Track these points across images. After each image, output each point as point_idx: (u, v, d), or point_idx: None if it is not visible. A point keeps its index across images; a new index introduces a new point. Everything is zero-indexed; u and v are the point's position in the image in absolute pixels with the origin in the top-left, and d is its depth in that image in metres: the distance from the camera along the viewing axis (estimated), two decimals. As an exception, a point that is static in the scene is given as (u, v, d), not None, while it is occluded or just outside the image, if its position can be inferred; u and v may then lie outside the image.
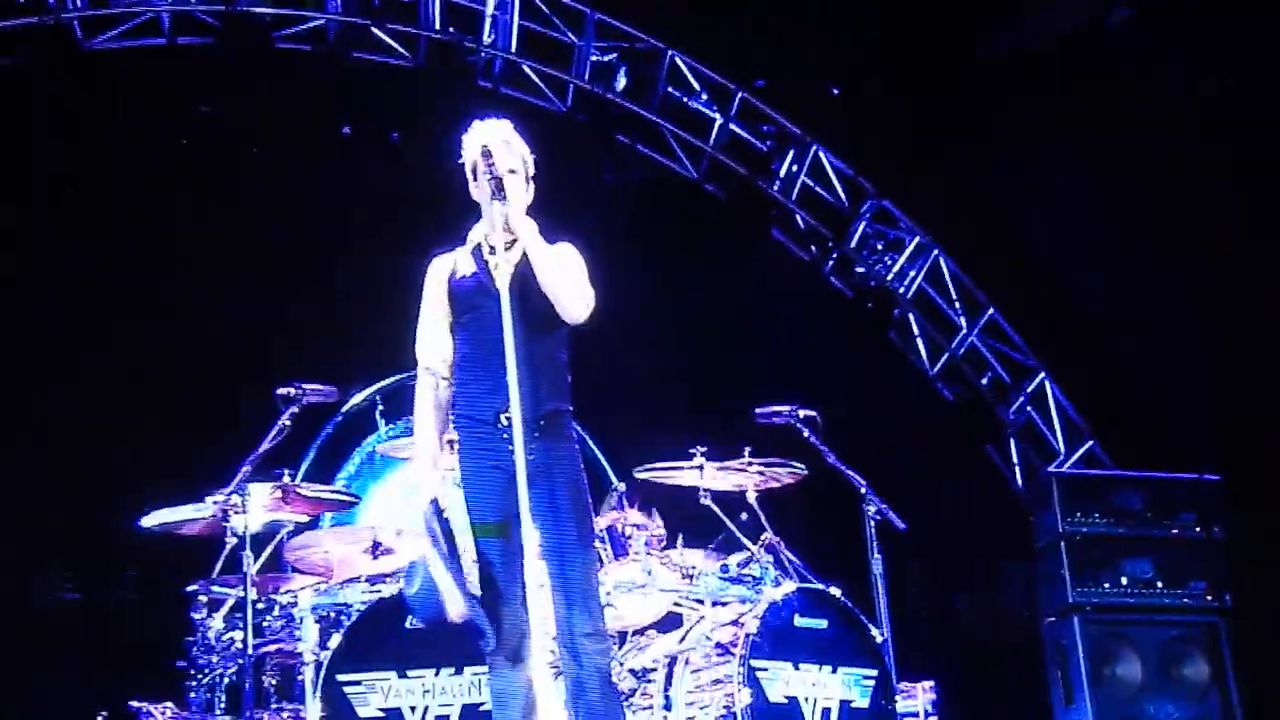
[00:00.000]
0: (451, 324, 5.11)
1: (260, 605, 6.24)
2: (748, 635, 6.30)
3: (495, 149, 5.00)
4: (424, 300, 5.18)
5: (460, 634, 4.93)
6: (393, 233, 8.93)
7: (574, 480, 4.98)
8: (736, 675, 6.22)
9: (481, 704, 5.80)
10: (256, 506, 6.12)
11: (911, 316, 11.11)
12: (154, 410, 8.49)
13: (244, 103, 9.30)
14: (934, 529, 8.60)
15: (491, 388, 4.87)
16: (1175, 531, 8.76)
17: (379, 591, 6.19)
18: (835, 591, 6.67)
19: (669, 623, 6.94)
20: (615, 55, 10.34)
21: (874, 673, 6.59)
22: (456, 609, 4.77)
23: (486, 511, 4.92)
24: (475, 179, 5.07)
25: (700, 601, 6.73)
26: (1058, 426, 10.80)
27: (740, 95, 10.62)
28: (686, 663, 6.50)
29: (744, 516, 7.03)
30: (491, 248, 4.96)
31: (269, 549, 6.52)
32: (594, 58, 10.27)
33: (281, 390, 6.34)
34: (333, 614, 6.14)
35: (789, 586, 6.61)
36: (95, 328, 8.59)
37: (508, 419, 4.69)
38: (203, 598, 6.42)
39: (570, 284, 5.00)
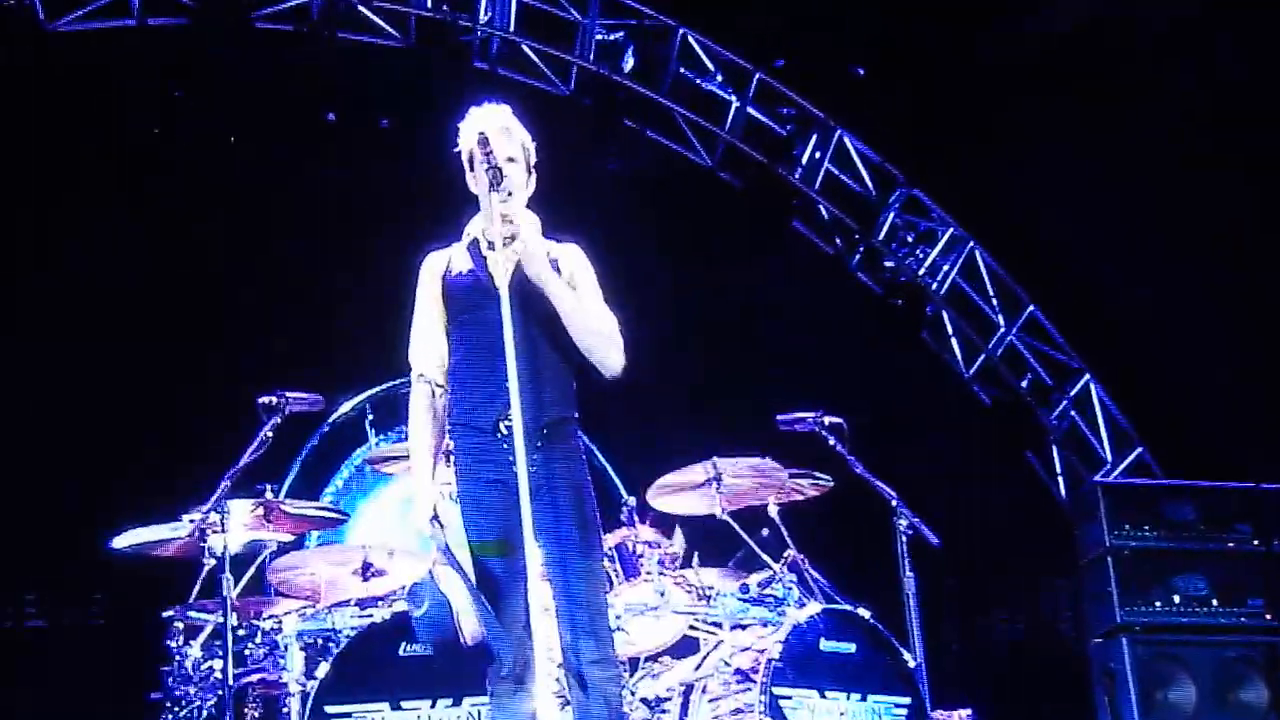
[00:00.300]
0: (447, 326, 5.07)
1: (241, 632, 6.24)
2: (770, 661, 6.26)
3: (493, 136, 4.96)
4: (417, 301, 5.13)
5: (471, 658, 4.89)
6: (383, 229, 8.96)
7: (579, 494, 4.93)
8: (758, 704, 6.17)
9: (481, 737, 5.81)
10: (236, 525, 6.12)
11: (945, 314, 11.12)
12: (125, 422, 8.47)
13: (221, 88, 9.28)
14: (971, 544, 8.60)
15: (491, 394, 4.84)
16: (1231, 545, 8.74)
17: (370, 616, 6.18)
18: (864, 613, 6.66)
19: (684, 648, 6.92)
20: (622, 33, 10.33)
21: (907, 701, 6.56)
22: (471, 631, 4.76)
23: (486, 528, 4.87)
24: (472, 169, 5.04)
25: (718, 624, 6.70)
26: (1104, 432, 10.81)
27: (758, 76, 10.60)
28: (704, 691, 6.48)
29: (765, 532, 7.00)
30: (490, 243, 4.94)
31: (250, 571, 6.53)
32: (599, 36, 10.28)
33: (263, 399, 6.28)
34: (320, 641, 6.15)
35: (814, 608, 6.59)
36: (58, 333, 8.57)
37: (508, 427, 4.64)
38: (179, 624, 6.38)
39: (603, 332, 4.97)
